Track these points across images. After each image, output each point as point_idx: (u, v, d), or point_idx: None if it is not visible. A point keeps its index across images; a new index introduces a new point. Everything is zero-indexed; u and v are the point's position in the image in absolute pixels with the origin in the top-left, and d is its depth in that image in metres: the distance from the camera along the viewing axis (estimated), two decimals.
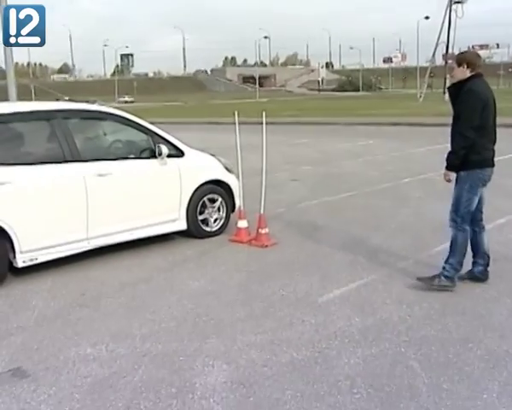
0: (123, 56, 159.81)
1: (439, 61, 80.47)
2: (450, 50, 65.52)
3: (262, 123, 7.30)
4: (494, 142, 5.42)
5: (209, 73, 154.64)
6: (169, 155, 7.11)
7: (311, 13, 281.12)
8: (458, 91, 5.28)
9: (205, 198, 7.62)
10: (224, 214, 7.84)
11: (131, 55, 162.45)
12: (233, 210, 7.96)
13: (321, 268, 6.16)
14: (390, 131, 23.99)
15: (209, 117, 38.57)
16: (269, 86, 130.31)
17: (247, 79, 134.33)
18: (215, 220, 7.78)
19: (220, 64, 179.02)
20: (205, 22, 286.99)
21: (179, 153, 7.37)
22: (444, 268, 5.44)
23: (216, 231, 7.74)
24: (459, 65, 5.29)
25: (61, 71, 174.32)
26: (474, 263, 5.68)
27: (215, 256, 6.80)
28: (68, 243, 6.35)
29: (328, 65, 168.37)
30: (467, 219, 5.37)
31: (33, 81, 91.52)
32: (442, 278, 5.41)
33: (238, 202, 7.83)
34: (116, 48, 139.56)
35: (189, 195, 7.40)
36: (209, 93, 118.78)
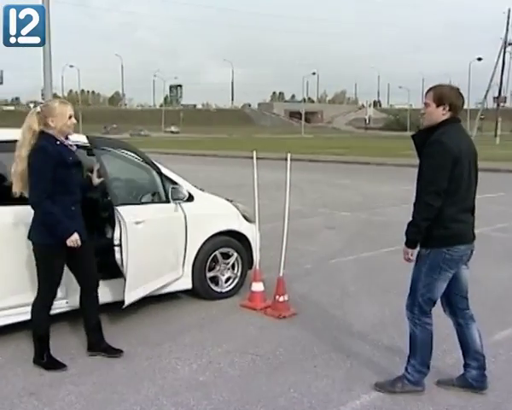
0: (172, 87, 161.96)
1: (490, 103, 78.29)
2: (502, 93, 63.65)
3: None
4: (472, 211, 4.09)
5: (254, 106, 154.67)
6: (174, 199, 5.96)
7: (360, 51, 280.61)
8: (424, 141, 3.98)
9: (217, 252, 6.41)
10: (239, 273, 6.60)
11: (180, 86, 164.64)
12: (250, 267, 6.72)
13: (348, 358, 4.81)
14: None
15: (251, 151, 37.48)
16: (315, 122, 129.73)
17: (294, 115, 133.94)
18: (227, 279, 6.54)
19: (268, 98, 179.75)
20: (255, 57, 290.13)
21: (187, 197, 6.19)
22: (406, 369, 4.19)
23: (227, 292, 6.50)
24: (439, 104, 3.94)
25: (112, 99, 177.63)
26: (465, 366, 4.33)
27: (219, 328, 5.54)
28: None
29: (376, 103, 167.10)
30: (427, 309, 4.10)
31: (82, 108, 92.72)
32: (405, 381, 4.17)
33: (256, 257, 6.58)
34: (166, 79, 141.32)
35: (197, 247, 6.20)
36: (255, 127, 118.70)
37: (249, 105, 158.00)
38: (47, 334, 4.69)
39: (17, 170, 4.46)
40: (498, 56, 57.68)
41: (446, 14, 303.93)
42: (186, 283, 6.19)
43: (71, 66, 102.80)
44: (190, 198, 6.20)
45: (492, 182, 19.16)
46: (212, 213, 6.46)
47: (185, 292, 6.32)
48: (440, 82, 4.15)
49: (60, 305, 5.29)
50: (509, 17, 57.35)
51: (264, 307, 6.01)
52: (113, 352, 4.87)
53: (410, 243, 4.01)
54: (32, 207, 4.44)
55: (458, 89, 4.06)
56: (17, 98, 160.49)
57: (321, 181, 19.92)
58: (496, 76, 58.38)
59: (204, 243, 6.25)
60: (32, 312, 4.66)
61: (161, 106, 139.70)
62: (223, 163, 30.26)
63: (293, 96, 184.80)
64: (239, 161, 29.53)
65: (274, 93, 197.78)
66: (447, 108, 3.93)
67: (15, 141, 4.58)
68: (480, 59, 70.03)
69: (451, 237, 3.94)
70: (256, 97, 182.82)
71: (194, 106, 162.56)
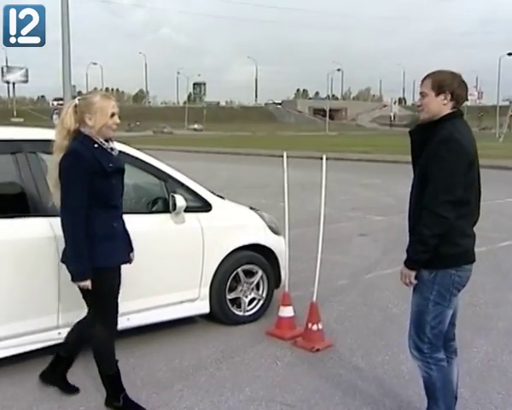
0: (195, 85, 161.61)
1: None
2: None
3: (328, 158, 5.22)
4: (476, 222, 3.40)
5: (276, 103, 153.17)
6: (189, 209, 5.08)
7: (385, 48, 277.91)
8: (426, 138, 3.27)
9: (239, 270, 5.52)
10: (265, 293, 5.71)
11: (204, 83, 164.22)
12: (277, 286, 5.83)
13: (400, 409, 3.91)
14: None
15: (275, 149, 36.49)
16: (339, 120, 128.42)
17: (318, 112, 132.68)
18: (251, 301, 5.66)
19: (292, 96, 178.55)
20: (279, 54, 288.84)
21: (204, 206, 5.33)
22: None
23: (251, 315, 5.62)
24: (439, 93, 3.24)
25: (136, 97, 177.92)
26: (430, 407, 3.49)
27: (240, 364, 4.64)
28: (29, 333, 4.39)
29: (401, 101, 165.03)
30: (438, 344, 3.38)
31: None
32: None
33: (284, 274, 5.68)
34: (189, 76, 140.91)
35: (216, 265, 5.33)
36: (279, 124, 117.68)
37: (274, 102, 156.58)
38: (118, 371, 3.88)
39: (50, 178, 3.67)
40: None
41: (476, 8, 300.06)
42: (203, 306, 5.32)
43: (94, 63, 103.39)
44: (208, 207, 5.35)
45: None
46: (233, 225, 5.57)
47: (203, 316, 5.47)
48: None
49: (51, 337, 4.48)
50: None
51: (294, 337, 5.11)
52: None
53: (414, 264, 3.26)
54: (62, 227, 3.57)
55: (461, 75, 3.31)
56: (42, 96, 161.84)
57: (349, 181, 18.95)
58: None
59: (224, 260, 5.37)
60: (97, 349, 3.86)
61: (185, 103, 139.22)
62: (246, 161, 29.41)
63: (316, 94, 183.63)
64: (263, 160, 28.72)
65: (298, 90, 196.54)
66: (449, 98, 3.24)
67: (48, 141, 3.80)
68: (510, 54, 67.94)
69: (461, 256, 3.29)
70: (280, 95, 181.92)
71: (218, 103, 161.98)
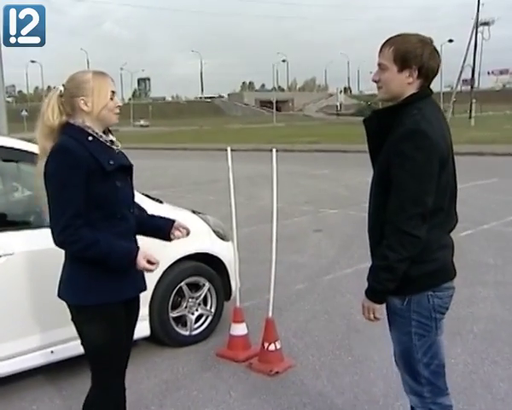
0: (140, 80, 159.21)
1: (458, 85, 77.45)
2: (475, 75, 63.03)
3: (277, 150, 4.54)
4: (453, 228, 2.67)
5: (222, 96, 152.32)
6: None
7: (329, 37, 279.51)
8: (385, 127, 2.49)
9: (182, 283, 4.83)
10: (214, 308, 5.04)
11: (148, 79, 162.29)
12: (228, 298, 5.17)
13: None
14: None
15: (223, 143, 35.81)
16: (286, 111, 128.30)
17: (265, 104, 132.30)
18: (198, 318, 4.97)
19: (238, 89, 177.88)
20: (223, 47, 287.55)
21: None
22: None
23: (199, 335, 4.93)
24: (403, 67, 2.46)
25: None
26: None
27: (188, 398, 3.94)
28: None
29: (347, 90, 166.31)
30: (441, 383, 2.63)
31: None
32: None
33: (235, 285, 5.01)
34: (133, 71, 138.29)
35: (155, 280, 4.60)
36: (226, 118, 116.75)
37: (220, 96, 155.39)
38: None
39: (37, 191, 2.68)
40: (470, 37, 56.59)
41: None
42: (142, 329, 4.52)
43: (32, 61, 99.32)
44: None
45: (480, 167, 17.98)
46: None
47: (146, 338, 4.75)
48: None
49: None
50: None
51: (249, 358, 4.45)
52: None
53: (378, 297, 2.50)
54: (58, 246, 2.65)
55: (432, 41, 2.52)
56: None
57: (299, 172, 18.39)
58: (468, 57, 57.54)
59: (164, 274, 4.66)
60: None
61: (130, 100, 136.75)
62: (194, 157, 28.60)
63: (263, 86, 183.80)
64: (211, 154, 27.91)
65: (244, 83, 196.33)
66: (415, 75, 2.46)
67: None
68: (451, 40, 68.86)
69: (438, 273, 2.52)
70: (226, 88, 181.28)
71: (164, 99, 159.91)
